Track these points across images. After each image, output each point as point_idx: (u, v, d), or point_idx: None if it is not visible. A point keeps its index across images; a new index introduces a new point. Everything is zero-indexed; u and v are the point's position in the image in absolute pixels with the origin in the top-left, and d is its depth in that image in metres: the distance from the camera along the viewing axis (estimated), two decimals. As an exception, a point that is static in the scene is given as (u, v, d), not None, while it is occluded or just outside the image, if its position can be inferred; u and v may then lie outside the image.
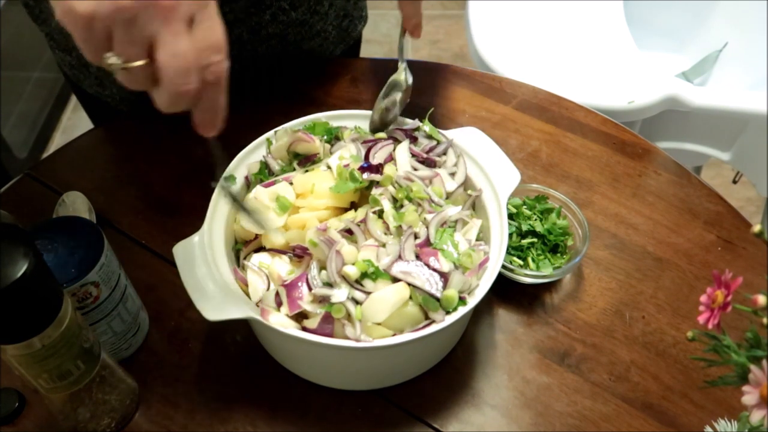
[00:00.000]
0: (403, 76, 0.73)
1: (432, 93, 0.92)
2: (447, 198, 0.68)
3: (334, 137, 0.72)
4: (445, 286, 0.58)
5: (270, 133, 0.70)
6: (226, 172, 0.66)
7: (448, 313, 0.58)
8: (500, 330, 0.69)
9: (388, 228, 0.63)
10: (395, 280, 0.59)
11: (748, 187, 1.74)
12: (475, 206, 0.69)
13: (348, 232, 0.62)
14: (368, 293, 0.58)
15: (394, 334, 0.57)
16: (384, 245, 0.61)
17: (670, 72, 1.41)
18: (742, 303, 0.41)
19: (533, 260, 0.71)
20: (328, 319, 0.57)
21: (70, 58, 0.90)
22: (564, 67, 1.25)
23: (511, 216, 0.73)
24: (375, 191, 0.65)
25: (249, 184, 0.67)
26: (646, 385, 0.65)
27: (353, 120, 0.74)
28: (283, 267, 0.61)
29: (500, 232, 0.63)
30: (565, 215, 0.74)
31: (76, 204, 0.76)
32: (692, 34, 1.48)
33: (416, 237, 0.62)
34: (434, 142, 0.72)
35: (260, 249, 0.64)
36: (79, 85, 0.94)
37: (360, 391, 0.65)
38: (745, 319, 0.64)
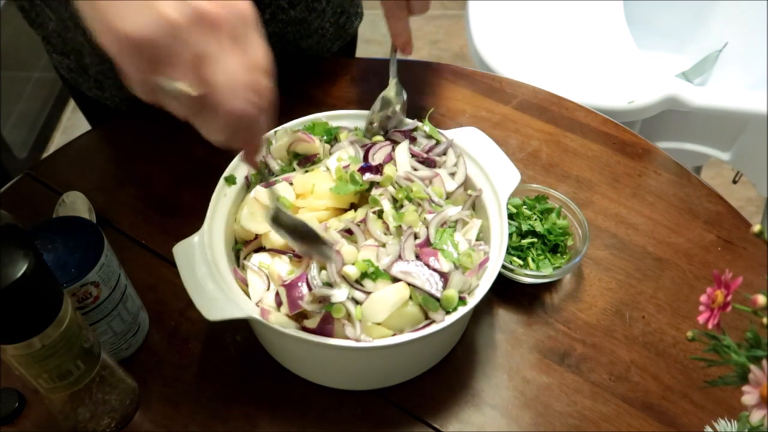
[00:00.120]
0: (393, 92, 0.73)
1: (432, 93, 0.92)
2: (447, 198, 0.68)
3: (333, 138, 0.72)
4: (445, 286, 0.58)
5: (270, 133, 0.70)
6: (226, 172, 0.66)
7: (448, 313, 0.58)
8: (500, 330, 0.69)
9: (387, 228, 0.63)
10: (395, 280, 0.59)
11: (748, 187, 1.73)
12: (475, 206, 0.69)
13: (348, 232, 0.62)
14: (368, 293, 0.58)
15: (394, 334, 0.57)
16: (384, 245, 0.61)
17: (670, 72, 1.41)
18: (742, 303, 0.41)
19: (533, 260, 0.71)
20: (328, 319, 0.57)
21: (68, 61, 0.89)
22: (564, 67, 1.25)
23: (511, 216, 0.73)
24: (375, 191, 0.65)
25: (249, 184, 0.67)
26: (646, 385, 0.65)
27: (353, 120, 0.74)
28: (283, 267, 0.61)
29: (500, 232, 0.63)
30: (565, 215, 0.74)
31: (76, 204, 0.76)
32: (692, 34, 1.48)
33: (416, 237, 0.62)
34: (433, 142, 0.72)
35: (260, 249, 0.65)
36: (78, 88, 0.94)
37: (360, 391, 0.65)
38: (745, 319, 0.64)
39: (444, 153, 0.71)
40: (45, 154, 1.98)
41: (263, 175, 0.65)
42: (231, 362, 0.67)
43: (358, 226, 0.62)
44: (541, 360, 0.67)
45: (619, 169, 0.84)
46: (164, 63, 0.40)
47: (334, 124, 0.73)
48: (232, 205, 0.66)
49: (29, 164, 1.38)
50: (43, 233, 0.58)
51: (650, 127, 1.23)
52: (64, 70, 0.92)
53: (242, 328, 0.68)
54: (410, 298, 0.58)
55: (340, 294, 0.57)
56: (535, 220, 0.73)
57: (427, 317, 0.58)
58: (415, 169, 0.69)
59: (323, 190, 0.65)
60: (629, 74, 1.21)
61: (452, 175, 0.69)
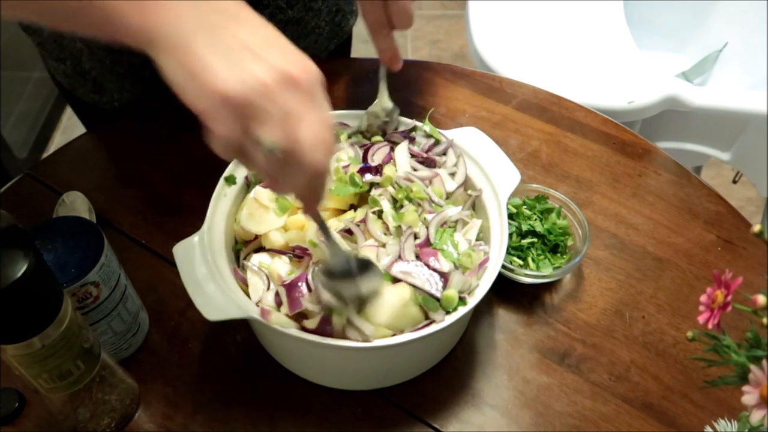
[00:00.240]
0: (379, 107, 0.73)
1: (432, 93, 0.92)
2: (447, 198, 0.68)
3: None
4: (445, 286, 0.58)
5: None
6: (226, 172, 0.66)
7: (448, 313, 0.58)
8: (500, 330, 0.69)
9: (387, 228, 0.63)
10: (395, 280, 0.59)
11: (748, 187, 1.73)
12: (475, 206, 0.69)
13: (348, 232, 0.62)
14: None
15: (394, 334, 0.57)
16: (384, 245, 0.61)
17: (670, 72, 1.41)
18: (742, 303, 0.41)
19: (533, 260, 0.71)
20: (327, 319, 0.57)
21: (64, 66, 0.88)
22: (564, 67, 1.25)
23: (511, 216, 0.73)
24: (374, 192, 0.65)
25: (249, 185, 0.67)
26: (646, 385, 0.65)
27: (353, 120, 0.74)
28: (282, 267, 0.61)
29: (500, 232, 0.63)
30: (565, 215, 0.74)
31: (76, 204, 0.76)
32: (692, 34, 1.48)
33: (416, 237, 0.62)
34: (432, 141, 0.72)
35: (260, 249, 0.65)
36: (74, 93, 0.93)
37: (360, 391, 0.65)
38: (745, 319, 0.64)
39: (444, 153, 0.71)
40: (45, 154, 1.98)
41: (263, 176, 0.65)
42: (231, 362, 0.67)
43: (358, 226, 0.62)
44: (541, 360, 0.67)
45: (619, 169, 0.84)
46: (256, 121, 0.42)
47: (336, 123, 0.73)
48: (232, 205, 0.66)
49: (29, 164, 1.38)
50: (43, 233, 0.58)
51: (650, 127, 1.23)
52: (61, 75, 0.91)
53: (242, 328, 0.68)
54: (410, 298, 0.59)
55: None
56: (535, 220, 0.73)
57: (427, 317, 0.59)
58: (415, 170, 0.69)
59: (323, 190, 0.65)
60: (629, 74, 1.21)
61: (452, 175, 0.69)
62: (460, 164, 0.70)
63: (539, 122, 0.89)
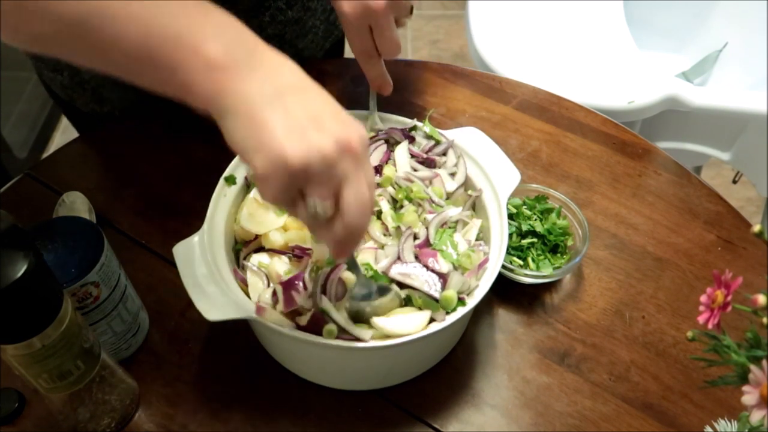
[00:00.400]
0: (369, 128, 0.74)
1: (432, 93, 0.92)
2: (447, 198, 0.68)
3: None
4: (443, 287, 0.58)
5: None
6: (226, 172, 0.66)
7: (447, 313, 0.58)
8: (500, 330, 0.69)
9: (386, 229, 0.63)
10: (395, 282, 0.59)
11: (748, 187, 1.73)
12: (475, 206, 0.69)
13: None
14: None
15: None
16: (383, 247, 0.61)
17: (670, 72, 1.41)
18: (742, 303, 0.41)
19: (533, 260, 0.71)
20: (319, 316, 0.57)
21: (61, 77, 0.88)
22: (564, 67, 1.25)
23: (511, 216, 0.73)
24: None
25: (249, 185, 0.67)
26: (646, 385, 0.65)
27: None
28: (282, 267, 0.61)
29: (500, 232, 0.63)
30: (565, 215, 0.74)
31: (76, 204, 0.76)
32: (692, 34, 1.48)
33: (416, 237, 0.62)
34: (432, 141, 0.72)
35: (260, 249, 0.65)
36: (72, 103, 0.92)
37: (360, 391, 0.65)
38: (745, 319, 0.64)
39: (444, 153, 0.71)
40: (45, 154, 1.98)
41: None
42: (231, 362, 0.67)
43: None
44: (541, 360, 0.67)
45: (619, 169, 0.84)
46: (311, 186, 0.45)
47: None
48: (232, 205, 0.66)
49: (29, 164, 1.38)
50: (43, 233, 0.58)
51: (650, 127, 1.23)
52: (58, 87, 0.90)
53: (242, 328, 0.68)
54: (410, 299, 0.59)
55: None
56: (535, 220, 0.73)
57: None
58: (415, 170, 0.69)
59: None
60: (629, 74, 1.21)
61: (452, 175, 0.69)
62: (460, 165, 0.70)
63: (539, 122, 0.89)
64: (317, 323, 0.56)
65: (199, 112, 0.46)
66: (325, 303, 0.56)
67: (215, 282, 0.58)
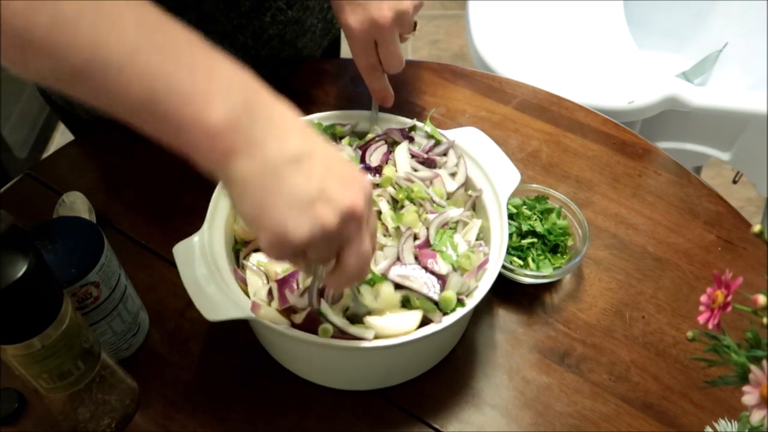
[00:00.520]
0: (371, 136, 0.74)
1: (432, 93, 0.92)
2: (447, 198, 0.68)
3: (329, 138, 0.72)
4: (442, 289, 0.58)
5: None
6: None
7: (446, 314, 0.58)
8: (500, 330, 0.69)
9: (386, 230, 0.63)
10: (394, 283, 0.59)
11: (748, 187, 1.73)
12: (476, 206, 0.69)
13: None
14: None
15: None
16: (382, 248, 0.61)
17: (670, 72, 1.41)
18: (742, 303, 0.41)
19: (533, 260, 0.71)
20: (313, 315, 0.57)
21: None
22: (564, 67, 1.25)
23: (511, 216, 0.73)
24: (373, 192, 0.65)
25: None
26: (646, 385, 0.65)
27: (353, 120, 0.74)
28: (279, 265, 0.61)
29: (500, 232, 0.63)
30: (565, 215, 0.74)
31: (76, 204, 0.76)
32: (692, 34, 1.48)
33: (416, 238, 0.62)
34: (432, 141, 0.72)
35: (259, 249, 0.64)
36: (72, 111, 0.91)
37: (360, 391, 0.65)
38: (745, 319, 0.64)
39: (445, 153, 0.71)
40: (45, 154, 1.98)
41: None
42: (231, 362, 0.67)
43: None
44: (541, 360, 0.67)
45: (619, 169, 0.84)
46: (313, 251, 0.46)
47: (334, 123, 0.73)
48: (232, 205, 0.66)
49: (29, 164, 1.38)
50: (43, 233, 0.58)
51: (650, 127, 1.23)
52: (57, 95, 0.90)
53: (242, 328, 0.68)
54: (409, 300, 0.59)
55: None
56: (535, 220, 0.73)
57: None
58: (415, 170, 0.69)
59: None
60: (629, 74, 1.22)
61: (452, 175, 0.69)
62: (460, 165, 0.69)
63: (539, 122, 0.89)
64: (313, 322, 0.56)
65: None
66: (323, 306, 0.56)
67: (215, 282, 0.58)
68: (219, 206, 0.65)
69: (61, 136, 2.11)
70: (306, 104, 0.89)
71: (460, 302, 0.59)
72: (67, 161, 0.85)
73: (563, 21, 1.33)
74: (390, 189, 0.66)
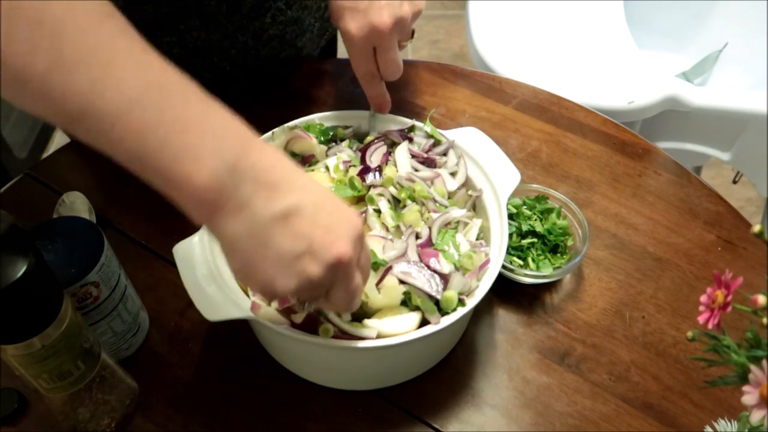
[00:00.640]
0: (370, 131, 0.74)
1: (432, 93, 0.92)
2: (449, 198, 0.68)
3: (329, 139, 0.72)
4: (445, 288, 0.58)
5: (266, 135, 0.70)
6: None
7: (447, 314, 0.58)
8: (500, 330, 0.69)
9: (387, 229, 0.63)
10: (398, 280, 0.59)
11: (748, 187, 1.73)
12: (476, 206, 0.69)
13: None
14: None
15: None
16: (392, 240, 0.61)
17: (670, 72, 1.41)
18: (742, 303, 0.41)
19: (533, 260, 0.71)
20: (313, 315, 0.56)
21: None
22: (564, 67, 1.25)
23: (511, 216, 0.73)
24: (373, 191, 0.65)
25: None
26: (646, 385, 0.65)
27: (353, 120, 0.74)
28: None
29: (500, 232, 0.63)
30: (565, 215, 0.74)
31: (76, 204, 0.76)
32: (692, 34, 1.48)
33: (417, 237, 0.62)
34: (432, 140, 0.72)
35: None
36: None
37: (360, 391, 0.65)
38: (745, 319, 0.64)
39: (445, 153, 0.71)
40: (45, 154, 1.98)
41: None
42: (231, 362, 0.67)
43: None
44: (541, 360, 0.67)
45: (619, 169, 0.84)
46: (301, 296, 0.50)
47: (334, 124, 0.73)
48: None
49: (29, 164, 1.38)
50: (43, 233, 0.58)
51: (650, 127, 1.23)
52: None
53: (242, 328, 0.68)
54: (410, 299, 0.59)
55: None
56: (535, 220, 0.73)
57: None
58: (416, 170, 0.69)
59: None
60: (629, 74, 1.22)
61: (453, 174, 0.69)
62: (460, 164, 0.69)
63: (539, 122, 0.89)
64: (313, 322, 0.56)
65: None
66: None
67: (215, 282, 0.58)
68: (219, 206, 0.64)
69: (61, 136, 2.11)
70: (306, 104, 0.89)
71: (461, 302, 0.59)
72: (67, 161, 0.85)
73: (563, 21, 1.33)
74: (392, 189, 0.66)
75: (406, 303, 0.59)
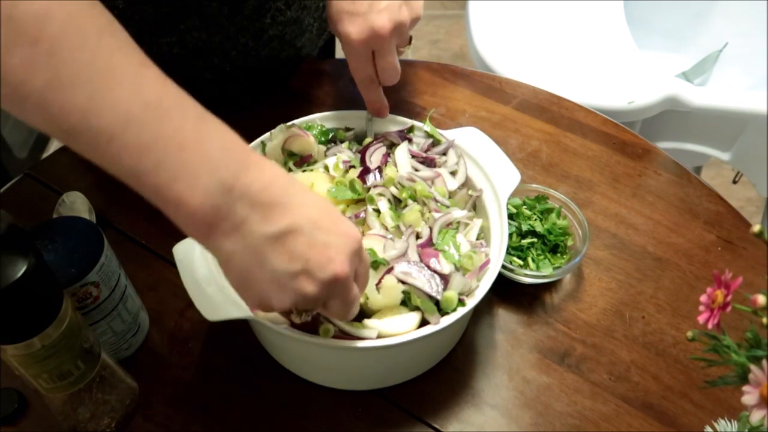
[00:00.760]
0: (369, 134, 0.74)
1: (432, 93, 0.92)
2: (449, 198, 0.68)
3: (329, 140, 0.72)
4: (445, 288, 0.58)
5: (265, 136, 0.70)
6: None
7: (447, 314, 0.58)
8: (500, 330, 0.69)
9: (387, 229, 0.63)
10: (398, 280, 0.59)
11: (748, 187, 1.73)
12: (476, 206, 0.69)
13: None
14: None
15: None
16: (392, 239, 0.61)
17: (670, 72, 1.41)
18: (742, 303, 0.41)
19: (533, 260, 0.71)
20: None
21: None
22: (564, 67, 1.25)
23: (511, 216, 0.73)
24: (373, 190, 0.65)
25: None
26: (646, 385, 0.65)
27: (353, 120, 0.74)
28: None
29: (500, 232, 0.63)
30: (565, 215, 0.74)
31: (76, 204, 0.76)
32: (692, 34, 1.48)
33: (418, 237, 0.62)
34: (431, 140, 0.72)
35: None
36: None
37: (360, 391, 0.65)
38: (745, 319, 0.64)
39: (444, 153, 0.71)
40: (45, 154, 1.97)
41: None
42: (231, 362, 0.67)
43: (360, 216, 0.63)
44: (541, 360, 0.67)
45: (619, 169, 0.84)
46: (298, 309, 0.51)
47: (333, 124, 0.73)
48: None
49: (29, 164, 1.38)
50: (43, 233, 0.58)
51: (650, 127, 1.23)
52: None
53: (242, 329, 0.68)
54: (410, 299, 0.59)
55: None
56: (535, 220, 0.73)
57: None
58: (416, 170, 0.69)
59: (322, 190, 0.65)
60: (629, 74, 1.22)
61: (453, 174, 0.69)
62: (460, 164, 0.69)
63: (539, 122, 0.89)
64: (313, 322, 0.56)
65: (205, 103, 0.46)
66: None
67: (215, 282, 0.58)
68: (219, 206, 0.64)
69: (61, 136, 2.10)
70: (305, 104, 0.89)
71: (461, 302, 0.59)
72: (67, 161, 0.85)
73: (563, 21, 1.33)
74: (392, 188, 0.66)
75: (406, 303, 0.59)
